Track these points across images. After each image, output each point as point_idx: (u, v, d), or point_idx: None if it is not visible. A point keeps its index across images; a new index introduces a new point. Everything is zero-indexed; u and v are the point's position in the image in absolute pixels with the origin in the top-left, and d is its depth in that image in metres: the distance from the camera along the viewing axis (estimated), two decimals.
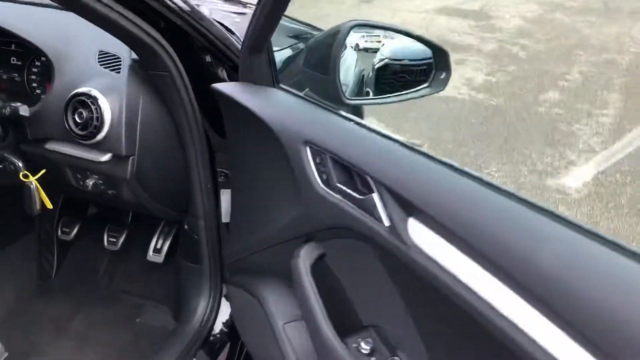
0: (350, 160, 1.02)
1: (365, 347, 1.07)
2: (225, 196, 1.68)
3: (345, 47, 1.26)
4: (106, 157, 1.39)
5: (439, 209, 0.87)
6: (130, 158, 1.41)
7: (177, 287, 1.86)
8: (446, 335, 0.96)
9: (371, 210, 0.98)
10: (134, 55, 1.43)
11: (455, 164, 0.91)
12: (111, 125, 1.35)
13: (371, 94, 1.37)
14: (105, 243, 2.03)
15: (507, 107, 4.86)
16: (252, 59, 1.23)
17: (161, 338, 1.86)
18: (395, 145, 0.99)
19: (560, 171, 3.86)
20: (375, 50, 1.42)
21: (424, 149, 0.95)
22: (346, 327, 1.14)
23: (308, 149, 1.10)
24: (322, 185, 1.08)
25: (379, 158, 0.99)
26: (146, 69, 1.39)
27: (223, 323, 1.71)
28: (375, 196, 0.97)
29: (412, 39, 1.31)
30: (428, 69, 1.31)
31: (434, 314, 0.97)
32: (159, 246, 2.00)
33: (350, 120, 1.10)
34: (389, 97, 1.28)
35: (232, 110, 1.28)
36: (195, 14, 1.30)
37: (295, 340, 1.29)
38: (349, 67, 1.39)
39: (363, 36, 1.47)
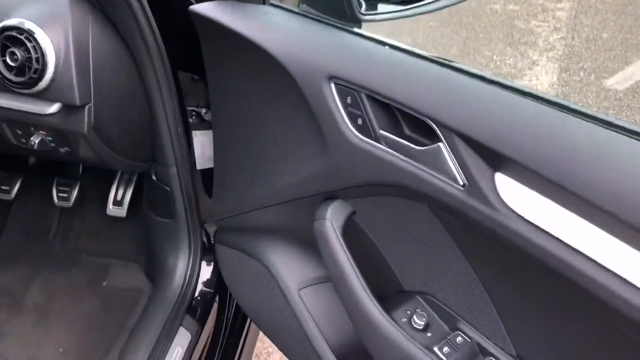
0: (398, 99, 0.77)
1: (418, 322, 0.88)
2: (199, 138, 1.42)
3: None
4: (54, 107, 1.08)
5: (539, 158, 0.65)
6: (86, 107, 1.11)
7: (148, 243, 1.62)
8: (542, 312, 0.77)
9: (438, 165, 0.75)
10: None
11: (546, 95, 0.69)
12: (56, 67, 1.04)
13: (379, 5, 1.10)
14: (55, 199, 1.73)
15: (463, 7, 4.62)
16: None
17: (135, 302, 1.64)
18: (460, 76, 0.75)
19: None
20: None
21: (502, 79, 0.71)
22: (387, 296, 0.95)
23: (333, 86, 0.85)
24: (358, 133, 0.84)
25: (441, 94, 0.75)
26: None
27: (204, 283, 1.49)
28: (443, 146, 0.74)
29: None
30: None
31: (529, 287, 0.77)
32: (119, 197, 1.72)
33: (385, 44, 0.85)
34: (415, 6, 1.01)
35: (217, 38, 1.00)
36: None
37: (314, 307, 1.09)
38: None
39: None
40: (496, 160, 0.69)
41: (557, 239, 0.65)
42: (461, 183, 0.73)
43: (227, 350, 1.56)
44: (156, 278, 1.53)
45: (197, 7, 1.00)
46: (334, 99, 0.85)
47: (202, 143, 1.42)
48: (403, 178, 0.80)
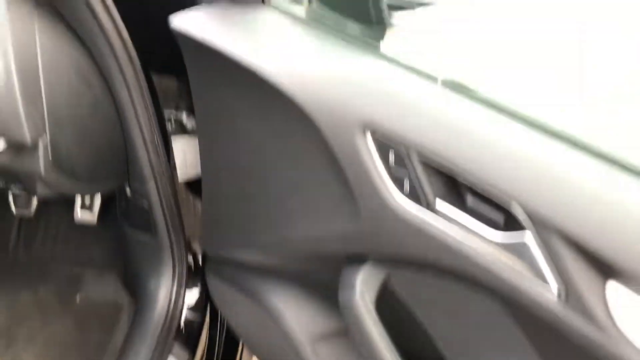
0: (465, 168, 0.57)
1: None
2: (179, 146, 1.20)
3: None
4: None
5: None
6: (41, 143, 0.87)
7: (125, 257, 1.42)
8: None
9: (521, 260, 0.56)
10: None
11: None
12: None
13: None
14: (13, 208, 1.50)
15: None
16: None
17: (114, 319, 1.46)
18: (559, 147, 0.55)
19: None
20: None
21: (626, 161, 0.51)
22: None
23: (369, 138, 0.64)
24: (404, 200, 0.64)
25: (532, 167, 0.55)
26: None
27: (191, 307, 1.32)
28: (530, 238, 0.54)
29: None
30: None
31: None
32: (87, 202, 1.50)
33: (437, 80, 0.63)
34: None
35: (207, 61, 0.77)
36: None
37: None
38: None
39: None
40: (611, 268, 0.50)
41: None
42: (556, 290, 0.54)
43: None
44: (137, 300, 1.34)
45: (178, 22, 0.76)
46: (371, 155, 0.64)
47: (184, 150, 1.21)
48: (469, 268, 0.60)
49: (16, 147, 0.86)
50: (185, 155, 1.20)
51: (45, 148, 0.88)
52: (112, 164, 1.11)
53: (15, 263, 1.56)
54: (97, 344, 1.39)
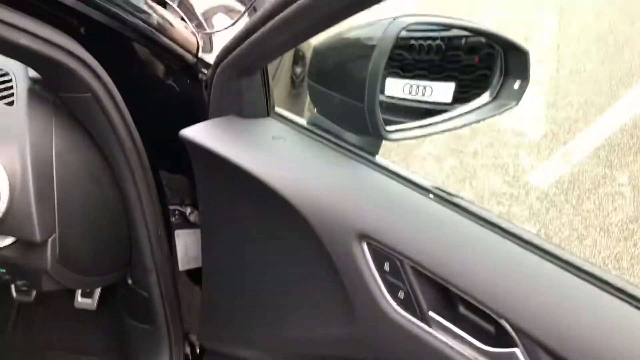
0: (456, 283, 0.60)
1: None
2: (182, 239, 1.23)
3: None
4: (6, 241, 0.88)
5: None
6: (50, 240, 0.91)
7: (123, 346, 1.42)
8: None
9: None
10: (33, 72, 0.91)
11: None
12: (11, 198, 0.84)
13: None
14: (14, 293, 1.51)
15: None
16: (241, 84, 0.76)
17: None
18: (548, 265, 0.58)
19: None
20: None
21: (607, 275, 0.55)
22: None
23: (365, 248, 0.67)
24: (399, 309, 0.67)
25: (521, 285, 0.58)
26: (55, 90, 0.89)
27: None
28: (520, 354, 0.57)
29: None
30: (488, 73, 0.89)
31: None
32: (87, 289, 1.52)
33: (430, 192, 0.68)
34: (448, 119, 0.84)
35: (214, 168, 0.82)
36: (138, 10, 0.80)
37: None
38: None
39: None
40: None
41: None
42: None
43: None
44: None
45: (189, 133, 0.82)
46: (367, 264, 0.67)
47: (185, 243, 1.24)
48: None
49: (26, 244, 0.89)
50: (187, 247, 1.24)
51: (54, 245, 0.91)
52: (116, 257, 1.14)
53: (12, 347, 1.56)
54: None
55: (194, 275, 1.29)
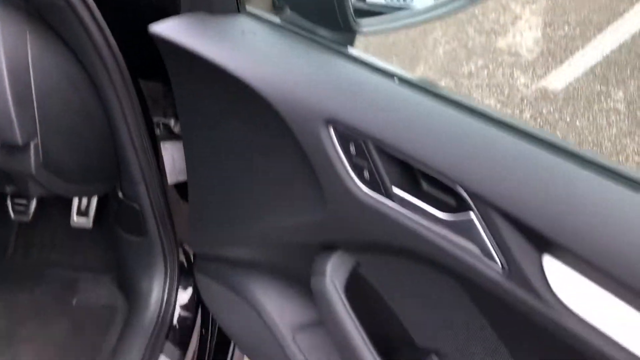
0: (416, 156, 0.63)
1: None
2: (168, 151, 1.26)
3: None
4: None
5: (602, 248, 0.52)
6: (32, 144, 0.93)
7: (118, 260, 1.47)
8: None
9: (469, 239, 0.61)
10: None
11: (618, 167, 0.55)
12: None
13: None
14: (12, 213, 1.55)
15: None
16: None
17: (109, 321, 1.50)
18: (500, 133, 0.60)
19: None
20: None
21: (557, 139, 0.57)
22: (398, 347, 0.82)
23: (332, 131, 0.69)
24: (364, 188, 0.69)
25: (474, 152, 0.60)
26: None
27: (183, 307, 1.36)
28: (475, 217, 0.60)
29: None
30: None
31: None
32: (83, 207, 1.55)
33: (394, 76, 0.69)
34: (419, 12, 0.84)
35: (186, 64, 0.83)
36: None
37: (313, 354, 0.97)
38: None
39: None
40: (544, 240, 0.56)
41: (619, 344, 0.52)
42: (499, 264, 0.60)
43: None
44: (130, 301, 1.39)
45: (158, 28, 0.82)
46: (334, 147, 0.69)
47: (172, 155, 1.26)
48: (421, 247, 0.66)
49: (8, 147, 0.91)
50: (174, 159, 1.26)
51: (37, 149, 0.94)
52: (103, 167, 1.16)
53: (13, 267, 1.61)
54: (92, 345, 1.43)
55: (184, 190, 1.32)
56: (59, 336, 1.46)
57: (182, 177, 1.27)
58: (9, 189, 1.04)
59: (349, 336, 0.78)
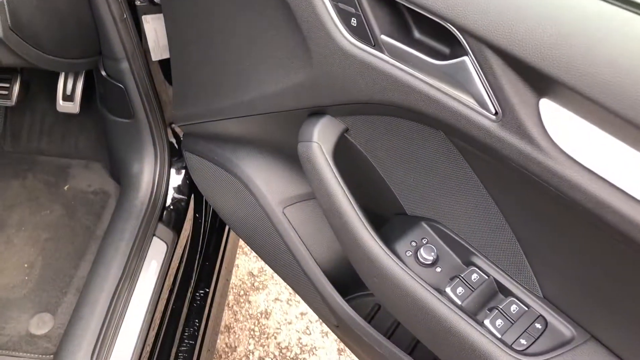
0: None
1: (426, 256, 0.75)
2: (151, 25, 1.19)
3: None
4: None
5: (603, 84, 0.48)
6: None
7: (108, 144, 1.44)
8: (582, 255, 0.63)
9: (461, 86, 0.57)
10: None
11: None
12: None
13: None
14: None
15: None
16: None
17: (101, 206, 1.50)
18: None
19: None
20: None
21: None
22: (387, 217, 0.81)
23: None
24: (351, 37, 0.65)
25: None
26: None
27: (175, 188, 1.35)
28: (469, 61, 0.55)
29: None
30: None
31: (569, 228, 0.63)
32: (68, 92, 1.50)
33: None
34: None
35: None
36: None
37: (301, 226, 0.96)
38: None
39: None
40: (543, 82, 0.52)
41: (620, 189, 0.50)
42: (493, 111, 0.56)
43: (207, 255, 1.46)
44: (122, 184, 1.37)
45: None
46: None
47: (156, 30, 1.20)
48: (412, 99, 0.62)
49: None
50: (157, 34, 1.20)
51: (2, 10, 0.88)
52: (82, 40, 1.11)
53: (3, 154, 1.59)
54: (85, 228, 1.44)
55: (168, 71, 1.26)
56: (51, 221, 1.46)
57: (166, 54, 1.22)
58: None
59: (337, 201, 0.76)
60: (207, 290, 1.42)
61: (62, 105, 1.50)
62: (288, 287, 2.03)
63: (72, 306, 1.26)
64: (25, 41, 0.96)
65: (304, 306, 1.99)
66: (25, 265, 1.38)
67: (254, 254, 2.13)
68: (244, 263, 2.11)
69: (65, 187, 1.53)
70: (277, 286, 2.05)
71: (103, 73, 1.21)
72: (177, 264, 1.32)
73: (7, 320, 1.26)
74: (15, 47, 0.95)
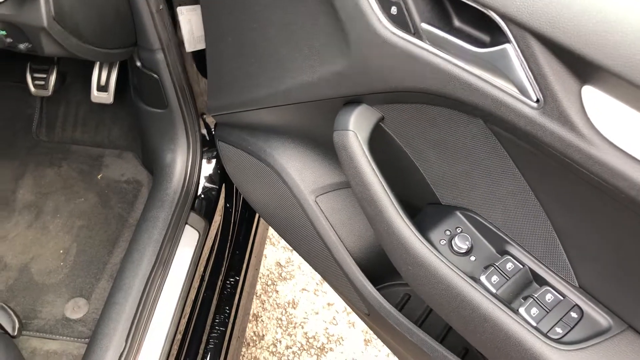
0: None
1: (460, 245, 0.76)
2: (186, 16, 1.21)
3: None
4: None
5: None
6: None
7: (141, 134, 1.47)
8: (623, 246, 0.63)
9: (503, 74, 0.57)
10: None
11: None
12: None
13: None
14: (32, 88, 1.54)
15: None
16: None
17: (134, 195, 1.53)
18: None
19: None
20: None
21: None
22: (420, 207, 0.82)
23: None
24: (391, 26, 0.65)
25: None
26: None
27: (206, 178, 1.37)
28: (511, 49, 0.56)
29: None
30: None
31: (609, 218, 0.62)
32: (103, 82, 1.53)
33: None
34: None
35: None
36: None
37: (334, 216, 0.97)
38: None
39: None
40: (586, 69, 0.52)
41: None
42: (534, 98, 0.56)
43: (237, 244, 1.48)
44: (155, 173, 1.40)
45: None
46: None
47: (190, 21, 1.22)
48: (452, 87, 0.62)
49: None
50: (192, 25, 1.21)
51: (47, 1, 0.90)
52: (120, 31, 1.13)
53: (38, 143, 1.63)
54: (119, 216, 1.47)
55: (202, 64, 1.28)
56: (85, 209, 1.49)
57: (200, 45, 1.24)
58: (22, 46, 1.02)
59: (372, 189, 0.76)
60: (237, 278, 1.44)
61: (96, 96, 1.53)
62: (315, 277, 2.05)
63: (106, 292, 1.30)
64: (67, 31, 0.98)
65: (330, 297, 2.01)
66: (61, 252, 1.42)
67: (281, 244, 2.15)
68: (272, 253, 2.13)
69: (99, 176, 1.57)
70: (305, 277, 2.07)
71: (138, 64, 1.23)
72: (208, 253, 1.34)
73: (43, 304, 1.30)
74: (57, 37, 0.97)
